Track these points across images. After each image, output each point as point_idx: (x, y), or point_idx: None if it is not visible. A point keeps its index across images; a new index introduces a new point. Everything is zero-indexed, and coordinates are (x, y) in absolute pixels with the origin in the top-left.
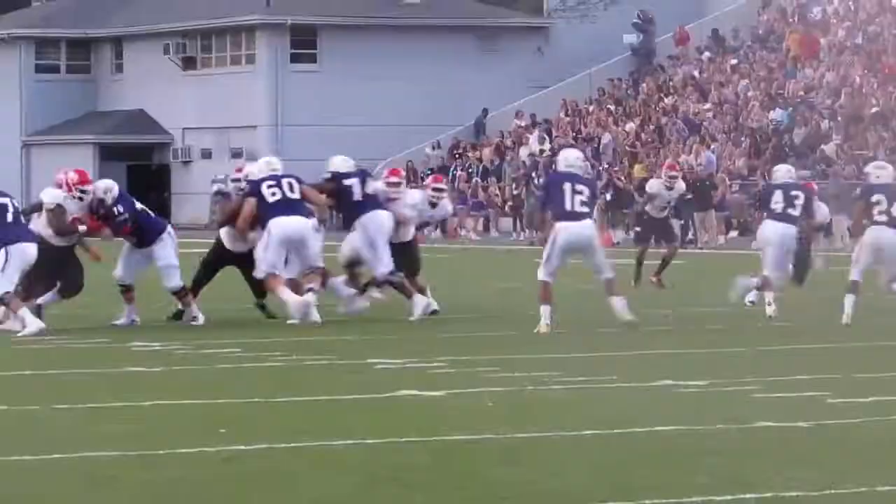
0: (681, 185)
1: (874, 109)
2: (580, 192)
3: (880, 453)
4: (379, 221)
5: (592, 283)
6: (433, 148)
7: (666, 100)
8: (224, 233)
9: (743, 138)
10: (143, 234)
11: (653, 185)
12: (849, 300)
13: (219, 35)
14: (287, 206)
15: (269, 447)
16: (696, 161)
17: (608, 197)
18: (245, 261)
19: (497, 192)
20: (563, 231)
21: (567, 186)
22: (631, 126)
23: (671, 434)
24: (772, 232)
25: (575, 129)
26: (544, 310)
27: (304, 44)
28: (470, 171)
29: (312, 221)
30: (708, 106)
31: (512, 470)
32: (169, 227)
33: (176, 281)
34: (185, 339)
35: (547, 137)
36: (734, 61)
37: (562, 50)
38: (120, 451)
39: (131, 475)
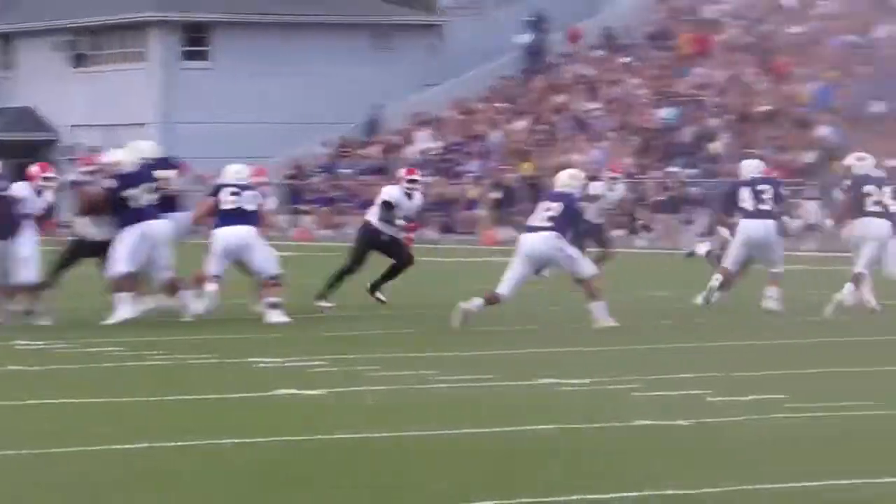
0: (621, 187)
1: (764, 108)
2: (549, 209)
3: (759, 452)
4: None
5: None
6: (323, 146)
7: (556, 98)
8: (82, 222)
9: (632, 136)
10: (8, 223)
11: (596, 187)
12: (847, 289)
13: (109, 32)
14: (237, 217)
15: (149, 446)
16: (584, 159)
17: (496, 195)
18: (104, 250)
19: None
20: (522, 241)
21: (543, 204)
22: (521, 124)
23: (552, 433)
24: (752, 230)
25: (466, 127)
26: (475, 303)
27: (196, 41)
28: (358, 169)
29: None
30: (598, 104)
31: (391, 469)
32: (31, 223)
33: (31, 275)
34: (69, 337)
35: (437, 135)
36: (626, 59)
37: (455, 48)
38: (1, 452)
39: (10, 477)
